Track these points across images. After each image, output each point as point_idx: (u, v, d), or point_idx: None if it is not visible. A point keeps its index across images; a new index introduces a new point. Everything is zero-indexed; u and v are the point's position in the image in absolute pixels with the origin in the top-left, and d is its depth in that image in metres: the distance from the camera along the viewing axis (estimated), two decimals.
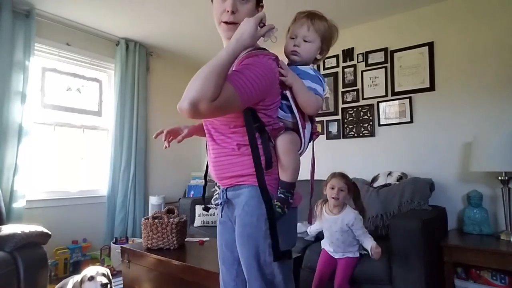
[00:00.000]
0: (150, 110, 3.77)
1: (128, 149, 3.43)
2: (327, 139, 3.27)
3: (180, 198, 3.73)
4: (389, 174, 2.70)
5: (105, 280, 1.78)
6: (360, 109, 3.10)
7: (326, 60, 3.32)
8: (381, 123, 2.97)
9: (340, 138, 3.19)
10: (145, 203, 3.55)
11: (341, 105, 3.22)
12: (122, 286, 2.35)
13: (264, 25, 0.95)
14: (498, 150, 2.14)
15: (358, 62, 3.15)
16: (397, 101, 2.90)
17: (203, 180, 1.46)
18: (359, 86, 3.13)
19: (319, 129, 3.28)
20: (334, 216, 1.98)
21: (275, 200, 0.98)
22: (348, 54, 3.21)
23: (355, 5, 2.79)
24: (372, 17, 3.03)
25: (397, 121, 2.88)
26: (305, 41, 1.04)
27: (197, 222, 3.29)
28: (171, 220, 2.21)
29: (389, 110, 2.94)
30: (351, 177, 2.05)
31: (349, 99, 3.18)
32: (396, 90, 2.91)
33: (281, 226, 0.98)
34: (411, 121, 2.82)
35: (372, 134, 3.01)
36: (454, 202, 2.54)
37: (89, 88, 3.40)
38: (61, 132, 3.15)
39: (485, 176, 2.40)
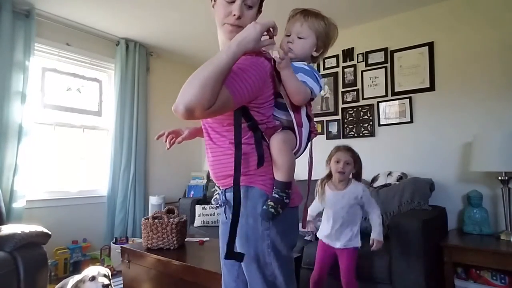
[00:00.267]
0: (150, 110, 3.78)
1: (128, 149, 3.43)
2: (327, 139, 3.27)
3: (180, 198, 3.74)
4: (389, 174, 2.70)
5: (106, 281, 1.78)
6: (360, 109, 3.10)
7: (326, 60, 3.33)
8: (381, 123, 2.97)
9: (340, 138, 3.19)
10: (145, 203, 3.55)
11: (341, 105, 3.22)
12: (122, 286, 2.35)
13: (272, 33, 0.96)
14: (498, 150, 2.14)
15: (358, 62, 3.15)
16: (397, 101, 2.90)
17: (204, 180, 1.47)
18: (359, 86, 3.13)
19: (319, 129, 3.28)
20: (340, 191, 1.88)
21: (269, 200, 0.97)
22: (348, 54, 3.21)
23: (355, 5, 2.79)
24: (372, 17, 3.03)
25: (397, 121, 2.88)
26: (299, 37, 1.03)
27: (197, 222, 3.29)
28: (171, 220, 2.21)
29: (389, 110, 2.94)
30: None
31: (349, 99, 3.18)
32: (396, 90, 2.91)
33: (278, 226, 0.98)
34: (411, 121, 2.82)
35: (372, 134, 3.01)
36: (454, 202, 2.54)
37: (89, 88, 3.40)
38: (61, 132, 3.15)
39: (485, 176, 2.40)
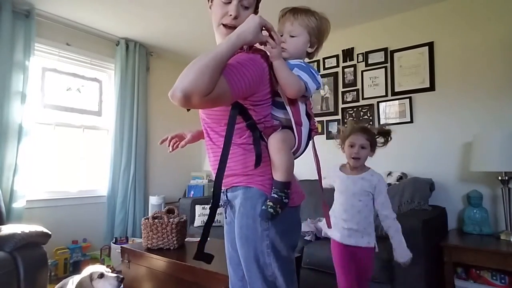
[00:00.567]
0: (150, 110, 3.78)
1: (128, 149, 3.42)
2: (327, 139, 3.27)
3: (180, 198, 3.73)
4: (389, 174, 2.70)
5: (121, 275, 1.80)
6: (360, 109, 3.10)
7: (326, 60, 3.33)
8: (381, 123, 2.96)
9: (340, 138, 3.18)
10: (145, 203, 3.55)
11: (341, 105, 3.22)
12: (122, 286, 2.34)
13: (270, 32, 0.96)
14: (498, 150, 2.14)
15: (358, 62, 3.15)
16: (397, 101, 2.90)
17: (206, 180, 1.46)
18: (359, 86, 3.13)
19: (319, 129, 3.28)
20: (354, 176, 1.67)
21: (268, 200, 0.97)
22: (348, 54, 3.21)
23: (355, 5, 2.79)
24: (372, 17, 3.02)
25: (397, 121, 2.88)
26: (291, 36, 1.03)
27: (197, 222, 3.29)
28: (171, 220, 2.21)
29: (389, 110, 2.94)
30: None
31: (349, 99, 3.18)
32: (396, 90, 2.91)
33: (277, 226, 0.97)
34: (411, 121, 2.82)
35: None
36: (454, 202, 2.54)
37: (89, 88, 3.40)
38: (61, 132, 3.15)
39: (485, 176, 2.39)
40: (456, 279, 2.19)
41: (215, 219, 3.49)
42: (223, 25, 1.02)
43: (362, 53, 3.12)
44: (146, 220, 2.24)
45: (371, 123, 3.00)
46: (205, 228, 0.94)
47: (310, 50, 1.07)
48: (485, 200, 2.35)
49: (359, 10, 2.88)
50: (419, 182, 2.43)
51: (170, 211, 2.36)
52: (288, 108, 1.01)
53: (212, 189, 0.98)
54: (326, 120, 3.29)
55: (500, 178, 2.20)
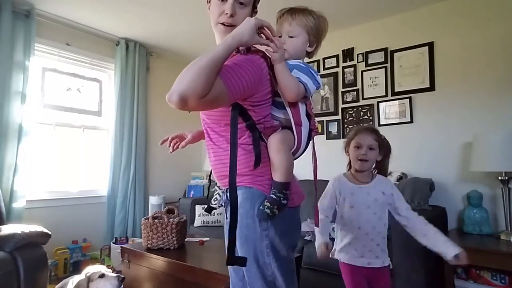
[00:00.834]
0: (150, 110, 3.77)
1: (128, 149, 3.43)
2: (327, 139, 3.27)
3: (180, 198, 3.73)
4: (389, 174, 2.70)
5: (121, 275, 1.80)
6: (360, 109, 3.10)
7: (326, 60, 3.33)
8: (381, 123, 2.96)
9: (340, 138, 3.19)
10: (145, 203, 3.55)
11: (341, 105, 3.22)
12: (122, 286, 2.34)
13: (267, 32, 0.96)
14: (498, 150, 2.14)
15: (358, 62, 3.15)
16: (397, 101, 2.90)
17: (206, 180, 1.47)
18: (359, 86, 3.13)
19: (319, 129, 3.28)
20: (365, 185, 1.48)
21: (266, 201, 0.97)
22: (348, 54, 3.21)
23: (355, 5, 2.79)
24: (372, 17, 3.02)
25: (397, 121, 2.88)
26: (290, 36, 1.03)
27: (197, 222, 3.29)
28: (171, 220, 2.21)
29: (389, 110, 2.94)
30: None
31: (349, 99, 3.18)
32: (396, 90, 2.91)
33: (276, 226, 0.97)
34: (411, 121, 2.82)
35: None
36: (454, 202, 2.54)
37: (89, 88, 3.40)
38: (61, 132, 3.15)
39: (485, 176, 2.39)
40: (456, 279, 2.19)
41: (215, 219, 3.49)
42: (221, 23, 1.02)
43: (362, 53, 3.12)
44: (146, 220, 2.24)
45: (371, 123, 3.00)
46: (230, 232, 0.93)
47: (309, 49, 1.07)
48: (485, 200, 2.35)
49: (359, 10, 2.88)
50: (419, 182, 2.43)
51: (170, 211, 2.36)
52: (288, 108, 1.01)
53: (228, 193, 0.96)
54: (326, 120, 3.29)
55: (500, 178, 2.20)
